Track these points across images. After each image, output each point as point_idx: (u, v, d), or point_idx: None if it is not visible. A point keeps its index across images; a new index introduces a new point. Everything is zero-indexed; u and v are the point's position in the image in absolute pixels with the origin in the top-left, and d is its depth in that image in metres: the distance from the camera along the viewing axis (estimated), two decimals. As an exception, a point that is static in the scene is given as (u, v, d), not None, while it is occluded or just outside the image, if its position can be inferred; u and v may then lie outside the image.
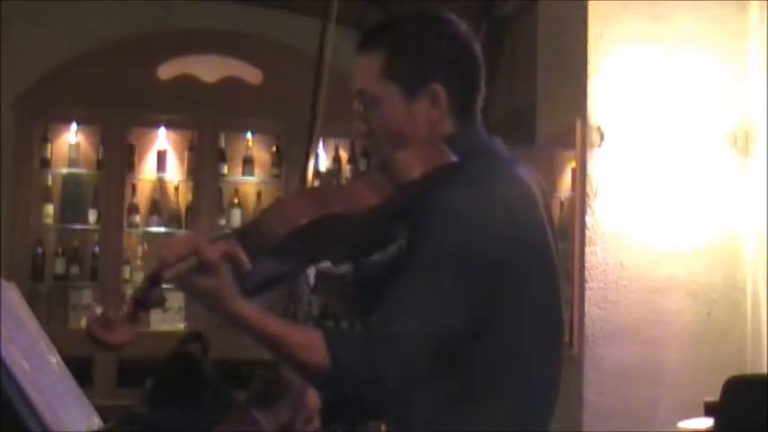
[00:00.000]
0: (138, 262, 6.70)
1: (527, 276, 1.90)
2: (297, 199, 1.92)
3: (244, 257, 1.78)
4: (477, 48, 1.99)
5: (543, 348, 1.94)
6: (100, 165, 6.72)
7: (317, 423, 4.33)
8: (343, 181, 6.75)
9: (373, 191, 1.86)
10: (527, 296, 1.90)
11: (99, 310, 1.69)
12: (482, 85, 1.99)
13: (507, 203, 1.87)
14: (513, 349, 1.90)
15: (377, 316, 1.85)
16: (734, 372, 3.60)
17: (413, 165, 1.87)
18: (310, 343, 1.80)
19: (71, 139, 6.76)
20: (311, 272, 2.12)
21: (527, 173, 1.98)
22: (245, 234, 1.84)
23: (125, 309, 1.71)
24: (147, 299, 1.72)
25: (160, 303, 1.74)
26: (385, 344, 1.79)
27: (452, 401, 1.90)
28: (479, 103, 2.00)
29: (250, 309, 1.79)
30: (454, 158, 1.88)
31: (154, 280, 1.72)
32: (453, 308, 1.84)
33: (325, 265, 2.13)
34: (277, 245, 1.81)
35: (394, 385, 1.81)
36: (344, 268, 2.14)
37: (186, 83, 6.74)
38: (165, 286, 1.75)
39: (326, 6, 2.59)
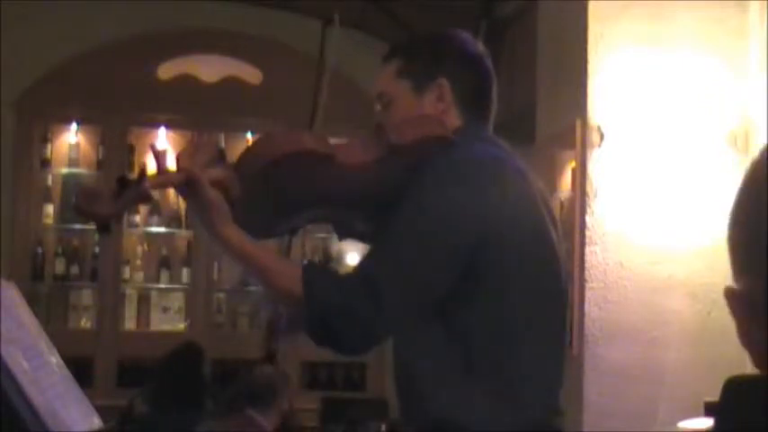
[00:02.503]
0: (138, 262, 6.71)
1: (516, 250, 1.96)
2: (293, 131, 2.02)
3: (234, 182, 1.90)
4: (488, 62, 2.16)
5: (536, 324, 2.00)
6: (100, 165, 6.72)
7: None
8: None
9: (367, 148, 2.00)
10: (515, 269, 1.97)
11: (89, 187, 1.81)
12: (489, 92, 2.15)
13: (500, 179, 1.98)
14: (503, 321, 1.96)
15: (358, 263, 1.97)
16: (734, 372, 3.60)
17: (407, 129, 2.02)
18: (287, 272, 1.94)
19: (71, 139, 6.76)
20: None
21: (525, 167, 2.09)
22: (239, 159, 1.96)
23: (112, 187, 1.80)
24: (131, 185, 1.80)
25: (145, 198, 1.84)
26: (358, 278, 1.91)
27: (456, 375, 1.96)
28: (488, 106, 2.15)
29: (238, 234, 1.91)
30: (451, 136, 2.02)
31: (142, 173, 1.82)
32: (429, 264, 1.93)
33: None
34: (266, 169, 1.89)
35: (362, 317, 1.89)
36: None
37: (186, 83, 6.74)
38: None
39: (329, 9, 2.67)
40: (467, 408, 1.94)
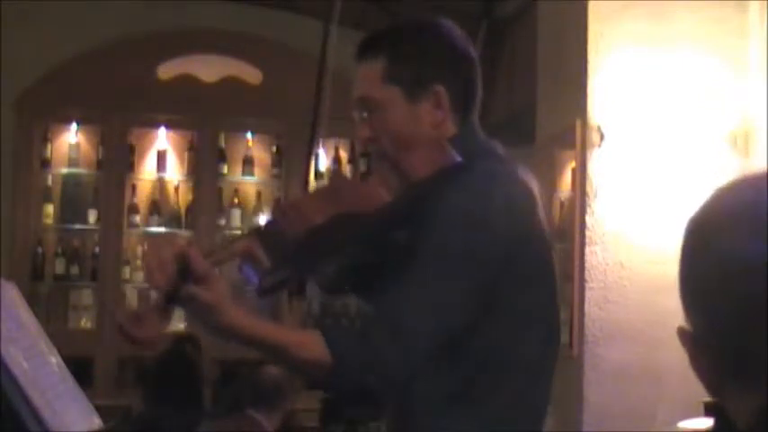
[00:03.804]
0: (138, 262, 6.70)
1: (527, 276, 1.93)
2: (312, 198, 1.95)
3: (263, 256, 1.80)
4: (473, 51, 2.03)
5: (540, 346, 1.97)
6: (100, 165, 6.72)
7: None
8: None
9: (386, 190, 1.90)
10: (526, 295, 1.93)
11: (129, 309, 1.73)
12: (480, 87, 2.03)
13: (510, 204, 1.91)
14: (511, 345, 1.93)
15: (378, 309, 1.88)
16: (734, 372, 3.59)
17: (421, 167, 1.90)
18: (309, 341, 1.80)
19: (71, 139, 6.76)
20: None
21: (526, 175, 2.01)
22: (263, 234, 1.86)
23: (155, 303, 1.72)
24: (178, 296, 1.72)
25: (190, 300, 1.74)
26: (387, 333, 1.80)
27: (453, 400, 1.92)
28: (478, 104, 2.04)
29: (244, 318, 1.78)
30: (459, 159, 1.91)
31: (184, 275, 1.72)
32: (455, 302, 1.87)
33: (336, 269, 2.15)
34: (294, 244, 1.83)
35: (396, 372, 1.82)
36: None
37: (186, 83, 6.74)
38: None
39: (330, 9, 2.60)
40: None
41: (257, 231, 1.87)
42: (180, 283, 1.72)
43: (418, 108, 1.97)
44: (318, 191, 2.30)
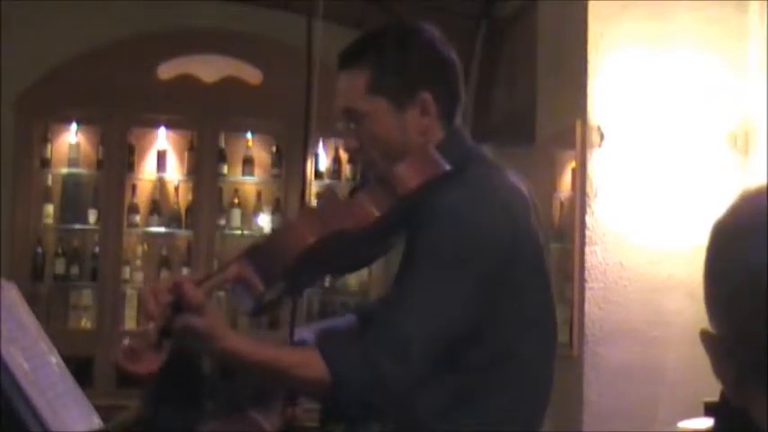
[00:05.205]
0: (138, 262, 6.70)
1: (524, 277, 1.92)
2: (304, 219, 1.94)
3: (256, 280, 1.80)
4: (454, 55, 2.02)
5: (538, 347, 1.98)
6: (100, 165, 6.72)
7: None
8: (342, 182, 6.76)
9: (375, 205, 1.89)
10: (524, 296, 1.93)
11: (126, 343, 1.73)
12: (462, 91, 2.02)
13: (505, 207, 1.91)
14: (510, 348, 1.93)
15: (376, 321, 1.87)
16: (734, 372, 3.59)
17: (411, 177, 1.90)
18: (308, 361, 1.80)
19: (71, 139, 6.75)
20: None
21: (517, 179, 2.01)
22: (256, 256, 1.85)
23: (149, 338, 1.74)
24: (172, 327, 1.75)
25: (186, 330, 1.76)
26: (387, 346, 1.81)
27: (453, 402, 1.91)
28: (462, 108, 2.04)
29: (241, 342, 1.79)
30: (448, 167, 1.91)
31: (178, 307, 1.74)
32: (455, 309, 1.86)
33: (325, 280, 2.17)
34: (287, 266, 1.83)
35: (396, 385, 1.82)
36: (348, 320, 2.16)
37: (186, 83, 6.73)
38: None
39: (313, 5, 2.58)
40: None
41: (249, 254, 1.86)
42: (174, 315, 1.74)
43: (405, 116, 1.96)
44: (308, 211, 2.29)
